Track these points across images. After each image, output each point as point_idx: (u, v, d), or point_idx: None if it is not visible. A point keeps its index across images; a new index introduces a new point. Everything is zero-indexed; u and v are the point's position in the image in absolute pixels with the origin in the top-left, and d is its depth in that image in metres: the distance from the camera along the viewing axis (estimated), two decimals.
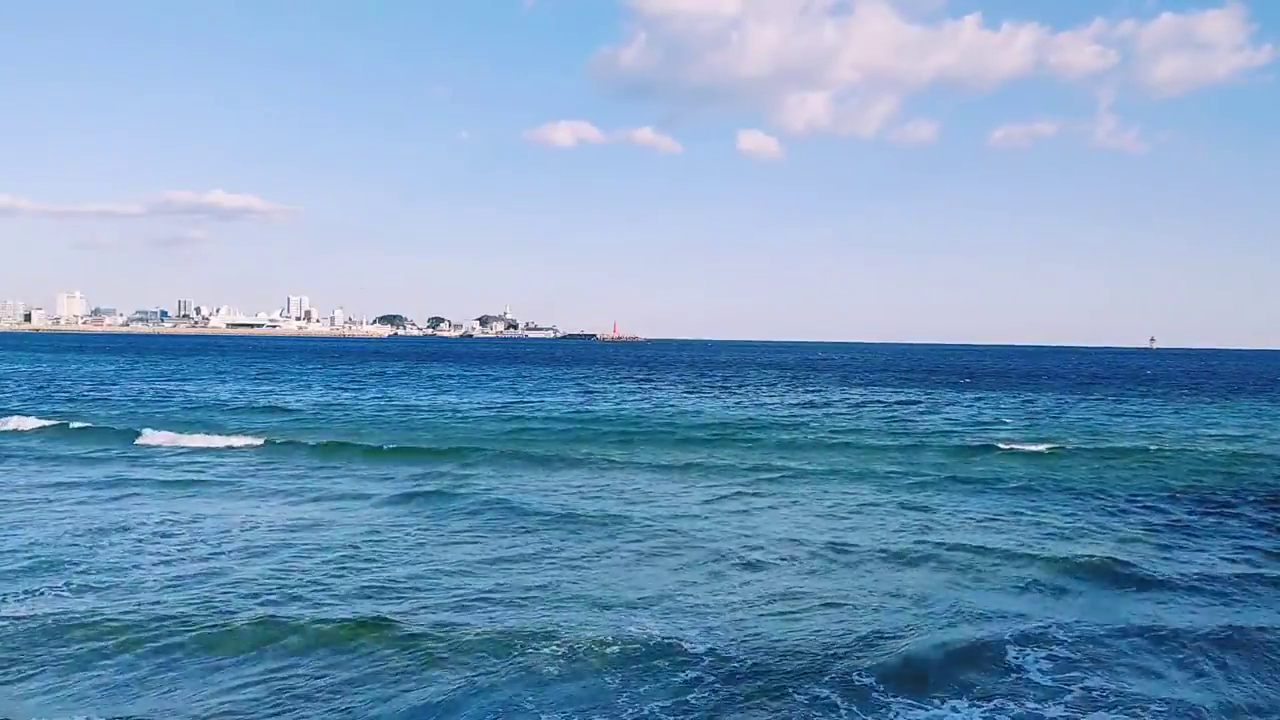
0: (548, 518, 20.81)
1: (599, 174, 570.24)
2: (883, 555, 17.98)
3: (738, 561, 17.24)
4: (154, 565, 16.08)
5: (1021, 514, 22.57)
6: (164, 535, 18.63)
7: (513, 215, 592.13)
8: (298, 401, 52.60)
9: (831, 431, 39.93)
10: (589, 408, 50.71)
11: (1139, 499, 24.84)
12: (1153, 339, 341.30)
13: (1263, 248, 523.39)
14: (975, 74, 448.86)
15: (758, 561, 17.25)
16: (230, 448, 33.15)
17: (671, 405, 53.46)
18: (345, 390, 62.97)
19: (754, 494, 24.87)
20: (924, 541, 19.17)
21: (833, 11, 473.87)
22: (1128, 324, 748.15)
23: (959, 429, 42.12)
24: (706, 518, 21.46)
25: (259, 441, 33.96)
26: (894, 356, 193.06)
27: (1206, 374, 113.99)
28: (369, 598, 14.34)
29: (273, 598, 14.23)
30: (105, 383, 66.33)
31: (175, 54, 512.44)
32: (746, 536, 19.39)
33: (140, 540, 18.03)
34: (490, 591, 14.80)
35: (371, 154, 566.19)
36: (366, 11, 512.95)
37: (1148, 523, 21.80)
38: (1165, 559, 18.02)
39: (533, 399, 56.92)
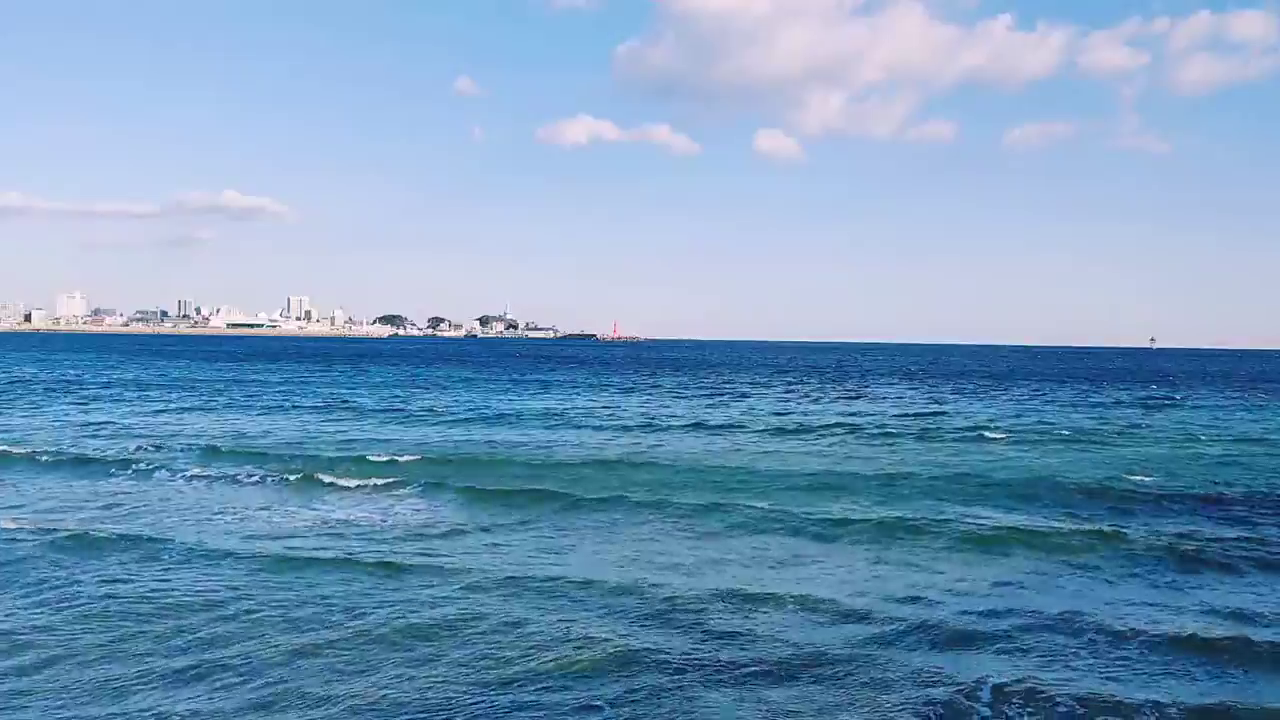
0: None
1: (612, 173, 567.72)
2: None
3: None
4: None
5: None
6: None
7: (520, 214, 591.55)
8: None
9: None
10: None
11: None
12: (1153, 339, 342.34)
13: (1268, 248, 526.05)
14: (1003, 74, 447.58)
15: None
16: None
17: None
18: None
19: None
20: None
21: (864, 10, 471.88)
22: (1128, 324, 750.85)
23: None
24: None
25: None
26: (911, 357, 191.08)
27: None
28: None
29: None
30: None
31: (191, 52, 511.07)
32: None
33: None
34: None
35: (385, 153, 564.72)
36: (396, 11, 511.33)
37: None
38: None
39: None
